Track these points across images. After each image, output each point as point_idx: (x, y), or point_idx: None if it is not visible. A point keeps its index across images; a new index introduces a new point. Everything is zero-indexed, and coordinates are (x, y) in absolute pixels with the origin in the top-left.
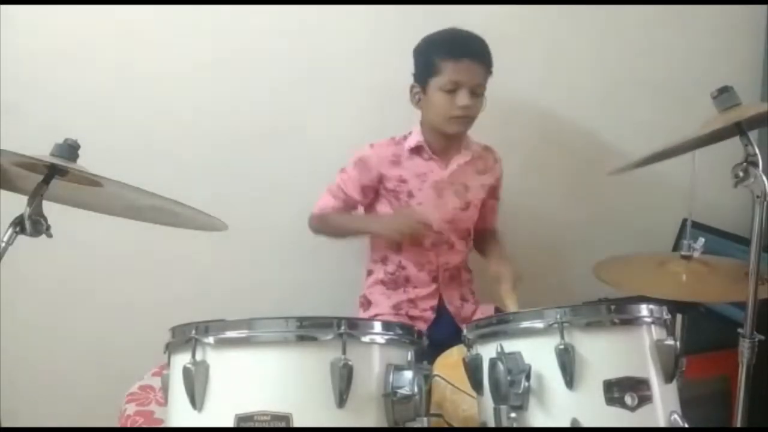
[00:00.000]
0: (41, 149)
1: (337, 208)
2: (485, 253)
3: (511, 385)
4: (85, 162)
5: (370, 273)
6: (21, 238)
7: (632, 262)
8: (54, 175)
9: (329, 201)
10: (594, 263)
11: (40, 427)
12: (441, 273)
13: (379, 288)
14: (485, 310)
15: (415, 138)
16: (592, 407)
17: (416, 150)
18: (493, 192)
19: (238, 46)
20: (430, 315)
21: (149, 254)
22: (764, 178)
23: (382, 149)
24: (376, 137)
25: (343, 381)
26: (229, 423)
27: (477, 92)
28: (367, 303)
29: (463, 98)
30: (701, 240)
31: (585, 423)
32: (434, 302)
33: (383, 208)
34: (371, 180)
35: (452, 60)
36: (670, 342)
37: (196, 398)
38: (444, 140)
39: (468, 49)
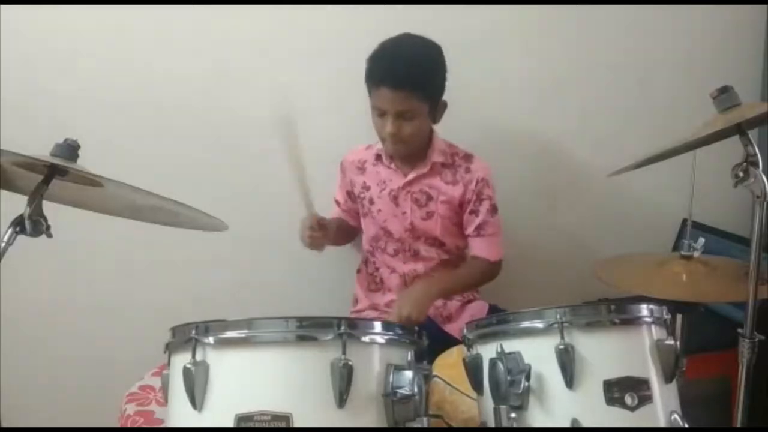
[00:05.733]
0: (41, 149)
1: (339, 213)
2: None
3: (511, 385)
4: (85, 162)
5: (358, 271)
6: (21, 238)
7: (632, 262)
8: (54, 175)
9: (334, 207)
10: (594, 263)
11: (40, 427)
12: (409, 279)
13: (362, 287)
14: (478, 307)
15: (380, 146)
16: (592, 407)
17: (379, 157)
18: (465, 203)
19: (239, 46)
20: None
21: (149, 254)
22: (764, 178)
23: (354, 155)
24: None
25: (343, 381)
26: (229, 423)
27: (405, 117)
28: (355, 300)
29: (387, 125)
30: (701, 240)
31: (585, 423)
32: None
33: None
34: (347, 185)
35: (374, 86)
36: (670, 342)
37: (196, 398)
38: (398, 156)
39: (385, 77)
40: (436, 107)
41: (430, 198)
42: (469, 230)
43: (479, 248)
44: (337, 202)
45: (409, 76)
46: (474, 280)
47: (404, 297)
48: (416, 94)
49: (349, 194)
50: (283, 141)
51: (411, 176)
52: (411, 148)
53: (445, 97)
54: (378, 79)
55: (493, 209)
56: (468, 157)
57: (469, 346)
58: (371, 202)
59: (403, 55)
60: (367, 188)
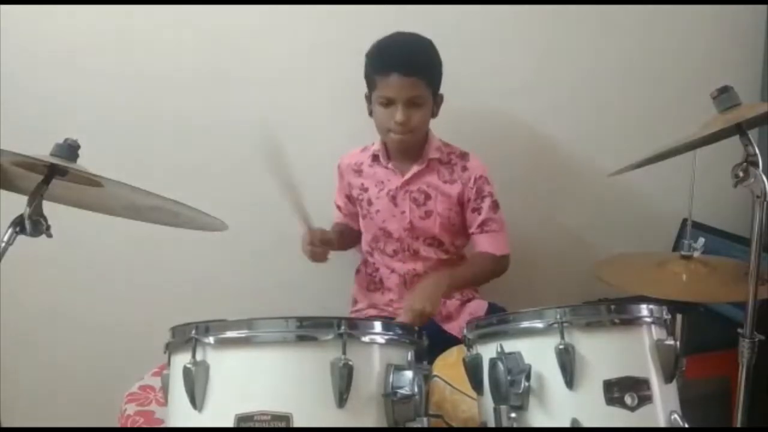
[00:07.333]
0: (41, 149)
1: (340, 218)
2: None
3: (511, 385)
4: (85, 162)
5: (357, 272)
6: (21, 238)
7: (632, 262)
8: (54, 175)
9: (336, 212)
10: (594, 263)
11: (40, 427)
12: (409, 279)
13: (361, 287)
14: (477, 306)
15: (376, 146)
16: (592, 407)
17: (376, 158)
18: (465, 202)
19: (239, 46)
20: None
21: (149, 254)
22: (764, 178)
23: (350, 158)
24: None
25: (343, 381)
26: (229, 423)
27: (415, 103)
28: (354, 300)
29: (397, 114)
30: (701, 240)
31: (585, 423)
32: None
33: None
34: (345, 188)
35: (381, 75)
36: (670, 342)
37: (196, 398)
38: (401, 148)
39: (395, 64)
40: (436, 99)
41: (428, 197)
42: (473, 228)
43: (484, 244)
44: (338, 207)
45: (418, 62)
46: (483, 272)
47: (415, 292)
48: (424, 81)
49: (349, 197)
50: (271, 166)
51: (409, 174)
52: (414, 141)
53: (446, 97)
54: (387, 67)
55: (495, 205)
56: (464, 156)
57: (469, 346)
58: (369, 203)
59: (408, 43)
60: (365, 189)
